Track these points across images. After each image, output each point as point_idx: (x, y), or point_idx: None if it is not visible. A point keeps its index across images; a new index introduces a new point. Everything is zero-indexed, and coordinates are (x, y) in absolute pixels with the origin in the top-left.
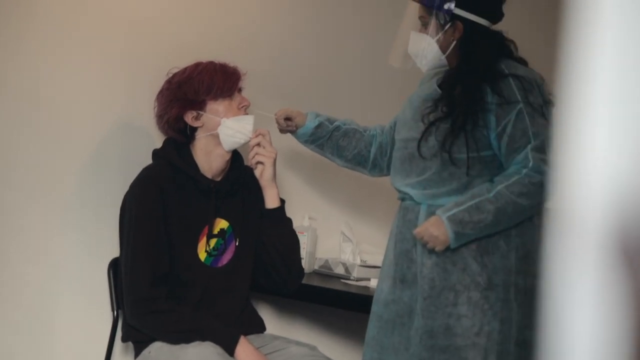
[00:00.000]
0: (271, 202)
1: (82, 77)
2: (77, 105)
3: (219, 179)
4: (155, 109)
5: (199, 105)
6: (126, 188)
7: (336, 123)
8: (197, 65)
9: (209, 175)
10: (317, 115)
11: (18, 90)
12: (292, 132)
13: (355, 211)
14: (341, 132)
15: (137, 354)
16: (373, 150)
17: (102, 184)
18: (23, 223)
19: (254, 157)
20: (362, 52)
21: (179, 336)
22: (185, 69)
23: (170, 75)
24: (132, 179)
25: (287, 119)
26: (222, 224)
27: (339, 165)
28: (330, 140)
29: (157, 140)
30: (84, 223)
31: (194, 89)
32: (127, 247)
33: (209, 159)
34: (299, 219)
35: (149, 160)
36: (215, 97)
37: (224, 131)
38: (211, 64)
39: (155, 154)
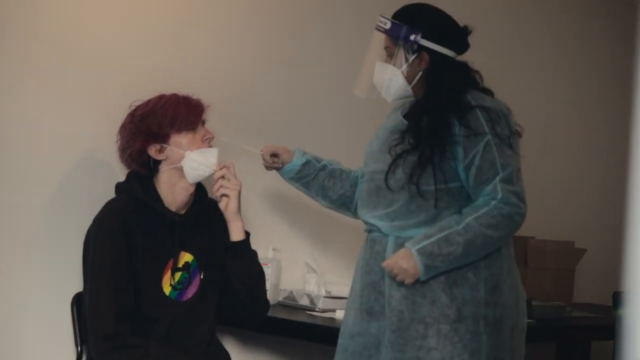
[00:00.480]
0: (236, 235)
1: (43, 111)
2: (39, 140)
3: (183, 212)
4: (118, 142)
5: (162, 138)
6: (90, 222)
7: (323, 162)
8: (161, 97)
9: (173, 208)
10: (305, 153)
11: None
12: (278, 169)
13: (319, 242)
14: (327, 172)
15: None
16: (357, 191)
17: (65, 218)
18: None
19: (218, 189)
20: (333, 82)
21: None
22: (149, 101)
23: (133, 107)
24: (96, 212)
25: (274, 155)
26: (186, 257)
27: (322, 206)
28: (317, 180)
29: (120, 173)
30: (47, 257)
31: (158, 122)
32: (91, 282)
33: (173, 191)
34: (263, 250)
35: (112, 194)
36: (179, 130)
37: (188, 164)
38: (174, 97)
39: (119, 187)
